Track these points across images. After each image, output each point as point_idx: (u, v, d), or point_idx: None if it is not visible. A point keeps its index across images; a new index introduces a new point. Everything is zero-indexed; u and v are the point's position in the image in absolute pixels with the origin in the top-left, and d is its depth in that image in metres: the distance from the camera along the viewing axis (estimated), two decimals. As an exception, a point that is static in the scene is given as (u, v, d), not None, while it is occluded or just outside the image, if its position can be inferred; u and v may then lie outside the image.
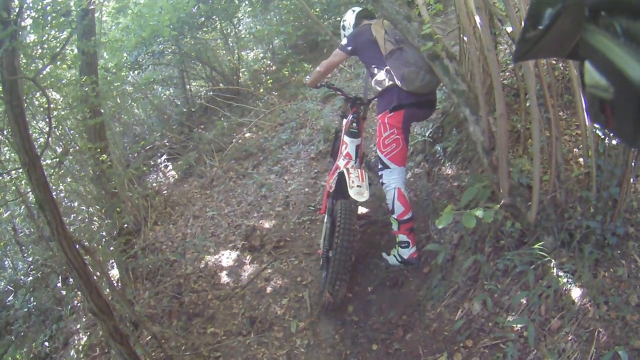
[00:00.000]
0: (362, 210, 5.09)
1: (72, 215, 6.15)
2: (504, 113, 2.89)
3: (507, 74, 4.62)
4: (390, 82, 3.88)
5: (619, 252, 2.86)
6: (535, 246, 3.02)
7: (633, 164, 2.79)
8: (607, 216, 2.86)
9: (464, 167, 4.58)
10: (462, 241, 3.83)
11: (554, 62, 4.25)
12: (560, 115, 3.90)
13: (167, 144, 9.49)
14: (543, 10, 0.70)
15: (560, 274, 2.83)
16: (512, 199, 3.09)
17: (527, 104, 3.30)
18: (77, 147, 5.56)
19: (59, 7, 3.57)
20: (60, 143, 5.60)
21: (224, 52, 11.19)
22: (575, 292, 2.76)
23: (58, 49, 3.72)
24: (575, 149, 3.62)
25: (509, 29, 3.04)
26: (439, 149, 5.01)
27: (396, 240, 4.11)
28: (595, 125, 2.87)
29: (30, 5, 3.38)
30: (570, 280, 2.79)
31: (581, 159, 3.32)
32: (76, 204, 6.26)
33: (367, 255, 4.67)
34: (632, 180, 2.87)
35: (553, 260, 2.93)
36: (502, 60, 4.80)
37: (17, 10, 2.92)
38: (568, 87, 3.89)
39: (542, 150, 3.10)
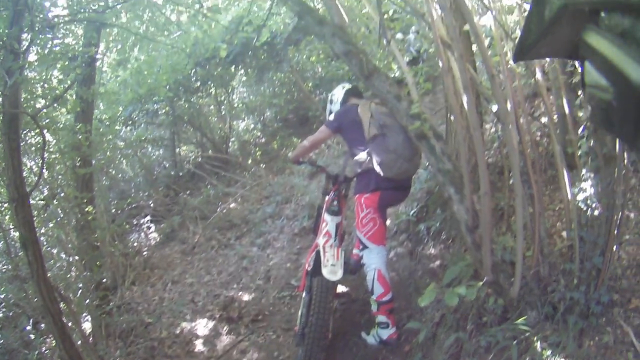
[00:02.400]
0: (342, 288, 5.04)
1: (51, 261, 6.02)
2: (488, 191, 2.93)
3: (492, 152, 4.75)
4: (370, 165, 3.95)
5: (604, 319, 2.84)
6: (518, 321, 3.00)
7: (616, 232, 2.83)
8: (591, 286, 2.87)
9: (447, 246, 4.61)
10: (444, 319, 3.78)
11: (538, 138, 4.40)
12: (544, 190, 3.99)
13: (151, 205, 9.47)
14: (543, 11, 0.71)
15: (544, 346, 2.80)
16: (495, 276, 3.09)
17: (511, 182, 3.36)
18: (63, 194, 5.52)
19: (66, 50, 3.64)
20: (47, 186, 5.56)
21: (216, 119, 11.38)
22: (560, 364, 2.72)
23: (58, 91, 3.77)
24: (558, 223, 3.68)
25: (495, 108, 3.15)
26: (423, 228, 5.04)
27: (375, 320, 4.03)
28: (577, 198, 2.93)
29: (38, 42, 3.44)
30: (554, 351, 2.75)
31: (564, 233, 3.37)
32: (56, 250, 6.15)
33: (347, 333, 4.56)
34: (615, 247, 2.90)
35: (537, 334, 2.91)
36: (488, 138, 4.94)
37: (26, 44, 2.98)
38: (551, 162, 3.99)
39: (525, 226, 3.14)
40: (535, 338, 2.88)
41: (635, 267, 3.07)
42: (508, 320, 3.15)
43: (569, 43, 0.72)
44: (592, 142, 2.78)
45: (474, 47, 3.99)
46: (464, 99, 3.00)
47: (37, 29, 2.91)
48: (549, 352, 2.74)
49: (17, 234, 3.42)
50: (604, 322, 2.83)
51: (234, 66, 10.13)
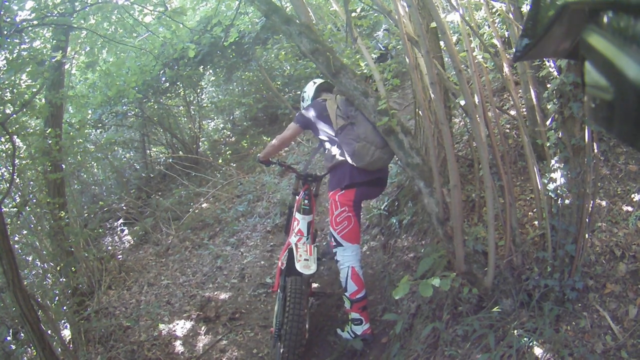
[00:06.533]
0: (318, 284, 5.07)
1: (26, 269, 5.92)
2: (458, 184, 2.98)
3: (462, 145, 4.83)
4: (342, 158, 3.90)
5: (579, 305, 2.91)
6: (494, 309, 3.07)
7: (587, 220, 2.91)
8: (565, 273, 2.93)
9: (419, 238, 4.65)
10: (419, 310, 3.82)
11: (508, 131, 4.50)
12: (515, 181, 4.07)
13: (124, 208, 9.37)
14: (543, 11, 0.72)
15: (521, 332, 2.86)
16: (468, 266, 3.13)
17: (481, 174, 3.41)
18: (35, 200, 5.43)
19: (34, 55, 3.56)
20: (19, 193, 5.47)
21: (186, 119, 11.31)
22: (538, 349, 2.76)
23: (27, 96, 3.69)
24: (530, 213, 3.76)
25: (462, 102, 3.20)
26: (395, 221, 5.08)
27: (349, 317, 4.05)
28: (548, 188, 3.01)
29: (6, 46, 3.33)
30: (531, 337, 2.81)
31: (536, 222, 3.45)
32: (30, 258, 6.05)
33: (324, 327, 4.60)
34: (587, 235, 2.97)
35: (513, 322, 2.97)
36: (457, 132, 5.01)
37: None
38: (522, 154, 4.07)
39: (496, 217, 3.19)
40: (511, 325, 2.95)
41: (609, 253, 3.16)
42: (484, 309, 3.21)
43: (569, 43, 0.73)
44: (560, 133, 2.85)
45: (442, 44, 4.05)
46: (432, 94, 3.03)
47: (5, 33, 2.83)
48: (525, 338, 2.80)
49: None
50: (579, 308, 2.91)
51: (202, 66, 10.11)
